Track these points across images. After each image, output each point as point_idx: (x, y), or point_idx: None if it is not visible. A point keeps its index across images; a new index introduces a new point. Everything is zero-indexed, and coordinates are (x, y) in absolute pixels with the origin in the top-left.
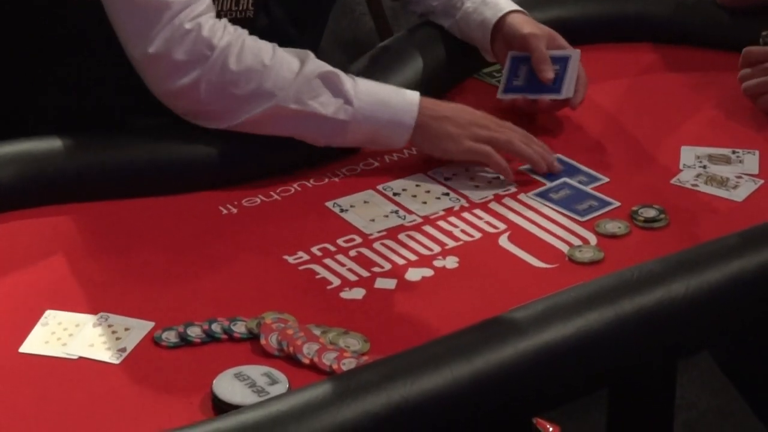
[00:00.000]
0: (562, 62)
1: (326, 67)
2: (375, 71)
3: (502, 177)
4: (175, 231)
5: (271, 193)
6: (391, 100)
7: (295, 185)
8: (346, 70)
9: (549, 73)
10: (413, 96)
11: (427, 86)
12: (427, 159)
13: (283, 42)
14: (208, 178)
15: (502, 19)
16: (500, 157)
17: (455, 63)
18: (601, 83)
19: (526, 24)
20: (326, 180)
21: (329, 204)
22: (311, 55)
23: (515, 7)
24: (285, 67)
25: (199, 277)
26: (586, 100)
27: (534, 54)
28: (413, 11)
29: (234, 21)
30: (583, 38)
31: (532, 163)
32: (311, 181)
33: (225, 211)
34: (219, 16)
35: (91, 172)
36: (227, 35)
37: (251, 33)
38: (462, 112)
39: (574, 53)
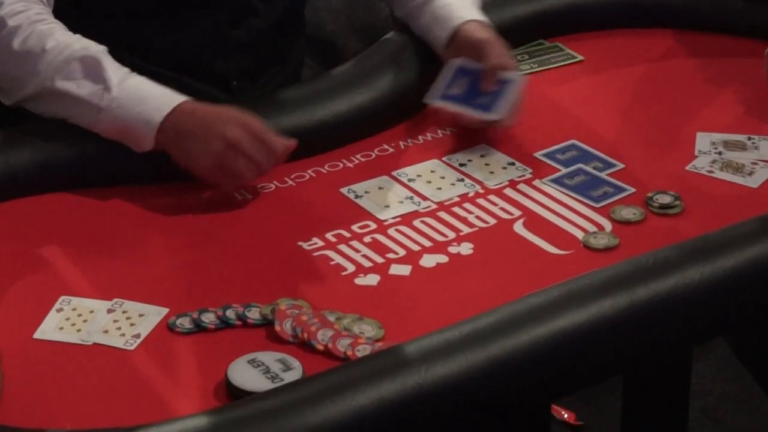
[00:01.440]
0: (503, 84)
1: (93, 52)
2: (388, 61)
3: (517, 163)
4: (190, 217)
5: (286, 179)
6: (151, 98)
7: (309, 171)
8: (356, 55)
9: (491, 87)
10: (174, 99)
11: (405, 98)
12: (443, 145)
13: (246, 12)
14: None
15: (456, 30)
16: (238, 183)
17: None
18: (616, 69)
19: (480, 31)
20: (341, 166)
21: (344, 190)
22: (93, 44)
23: (472, 16)
24: (58, 51)
25: (214, 263)
26: (602, 85)
27: (487, 60)
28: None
29: None
30: (598, 23)
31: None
32: (326, 167)
33: (240, 197)
34: None
35: (106, 157)
36: (22, 19)
37: None
38: (215, 127)
39: (519, 79)
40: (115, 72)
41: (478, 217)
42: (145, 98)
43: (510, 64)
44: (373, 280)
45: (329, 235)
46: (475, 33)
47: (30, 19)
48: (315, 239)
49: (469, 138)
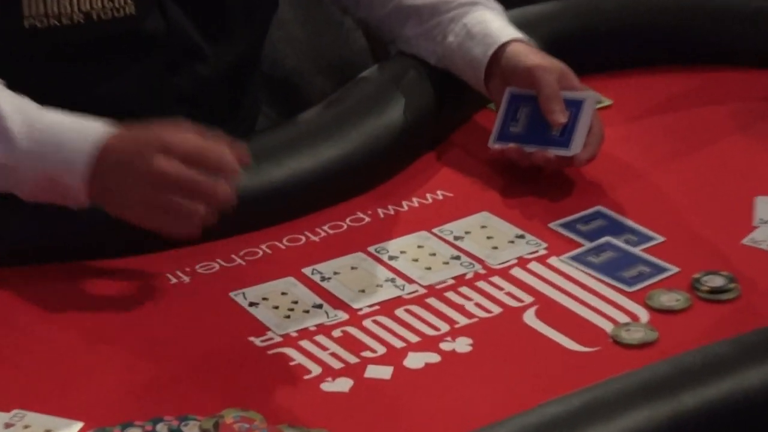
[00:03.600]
0: (574, 107)
1: None
2: (366, 104)
3: (528, 235)
4: (111, 304)
5: (233, 256)
6: (69, 138)
7: (263, 246)
8: (326, 98)
9: (560, 117)
10: (95, 132)
11: (433, 122)
12: (433, 212)
13: (190, 55)
14: (153, 239)
15: (499, 52)
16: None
17: (462, 92)
18: (652, 116)
19: (530, 54)
20: (303, 240)
21: (306, 271)
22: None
23: (515, 35)
24: None
25: (140, 362)
26: (635, 136)
27: (542, 91)
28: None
29: (109, 22)
30: (627, 60)
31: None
32: (284, 240)
33: (174, 280)
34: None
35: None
36: None
37: (140, 38)
38: (136, 164)
39: (590, 96)
40: (11, 118)
41: (478, 305)
42: (59, 142)
43: (575, 84)
44: (344, 385)
45: (289, 329)
46: (527, 57)
47: None
48: (270, 333)
49: (465, 203)
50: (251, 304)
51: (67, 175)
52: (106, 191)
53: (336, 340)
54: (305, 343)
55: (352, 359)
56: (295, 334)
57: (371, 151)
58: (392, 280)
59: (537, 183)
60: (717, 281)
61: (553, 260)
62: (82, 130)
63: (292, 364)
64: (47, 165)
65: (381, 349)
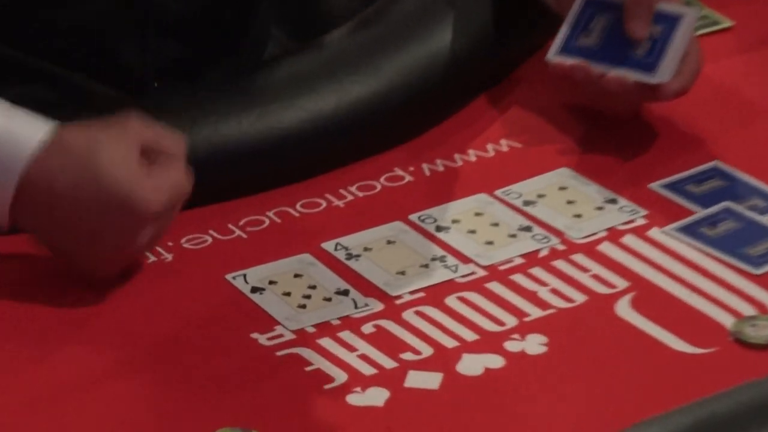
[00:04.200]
0: (667, 24)
1: None
2: (406, 27)
3: (621, 200)
4: (67, 292)
5: (230, 226)
6: None
7: (270, 213)
8: (354, 17)
9: (641, 28)
10: (30, 137)
11: (494, 51)
12: (495, 168)
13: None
14: None
15: None
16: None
17: (532, 12)
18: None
19: None
20: (323, 205)
21: (328, 246)
22: None
23: None
24: None
25: (107, 367)
26: (757, 73)
27: None
28: None
29: None
30: None
31: None
32: (298, 206)
33: (153, 258)
34: None
35: None
36: None
37: None
38: (121, 227)
39: (689, 13)
40: None
41: (555, 292)
42: None
43: None
44: (378, 397)
45: (304, 323)
46: None
47: None
48: (279, 328)
49: (538, 157)
50: (254, 290)
51: None
52: (39, 219)
53: (367, 338)
54: (326, 342)
55: (389, 363)
56: (312, 330)
57: (412, 88)
58: (441, 259)
59: (632, 131)
60: None
61: (654, 232)
62: (13, 131)
63: (308, 369)
64: None
65: (427, 350)
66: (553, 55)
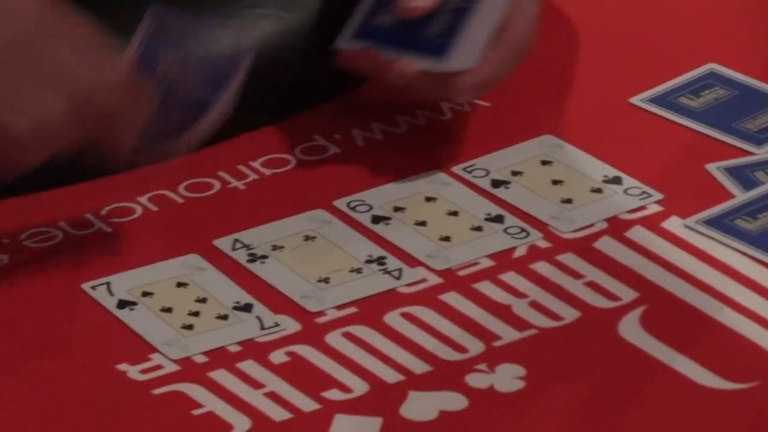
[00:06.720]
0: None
1: None
2: None
3: (626, 178)
4: None
5: (90, 217)
6: None
7: (143, 199)
8: None
9: (416, 1)
10: None
11: None
12: (452, 135)
13: None
14: None
15: None
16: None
17: None
18: None
19: None
20: (216, 187)
21: (222, 243)
22: None
23: None
24: None
25: None
26: None
27: None
28: None
29: None
30: None
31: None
32: (181, 188)
33: None
34: None
35: None
36: None
37: None
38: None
39: None
40: None
41: (535, 305)
42: None
43: None
44: None
45: (191, 350)
46: None
47: None
48: (157, 358)
49: (513, 118)
50: (122, 305)
51: None
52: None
53: (277, 370)
54: (221, 375)
55: (308, 405)
56: (202, 359)
57: (339, 18)
58: (379, 261)
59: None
60: None
61: (672, 224)
62: None
63: (196, 413)
64: None
65: (360, 387)
66: (345, 39)
